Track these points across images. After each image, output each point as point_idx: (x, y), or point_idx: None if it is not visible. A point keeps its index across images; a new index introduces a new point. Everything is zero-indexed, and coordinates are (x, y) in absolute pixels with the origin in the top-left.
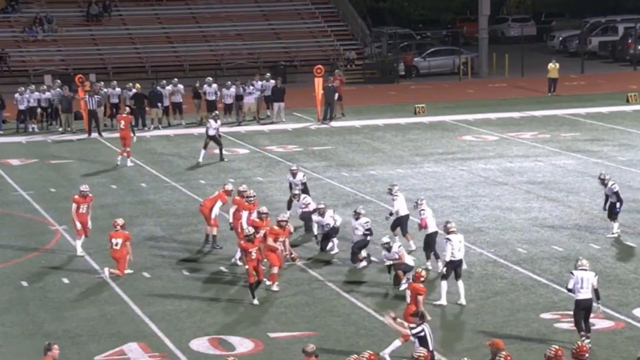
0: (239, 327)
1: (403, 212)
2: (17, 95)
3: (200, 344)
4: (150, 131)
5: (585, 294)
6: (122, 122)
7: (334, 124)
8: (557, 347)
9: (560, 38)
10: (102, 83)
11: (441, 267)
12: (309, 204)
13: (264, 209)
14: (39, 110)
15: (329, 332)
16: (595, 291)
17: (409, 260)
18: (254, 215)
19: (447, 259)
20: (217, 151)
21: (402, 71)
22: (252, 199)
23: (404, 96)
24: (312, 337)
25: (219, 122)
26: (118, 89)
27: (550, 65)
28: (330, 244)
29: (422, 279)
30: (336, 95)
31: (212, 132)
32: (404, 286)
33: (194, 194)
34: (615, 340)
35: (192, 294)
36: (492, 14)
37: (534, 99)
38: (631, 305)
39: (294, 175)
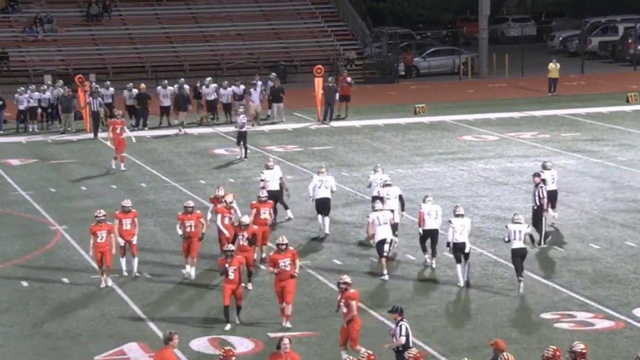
0: (239, 327)
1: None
2: (17, 95)
3: (200, 344)
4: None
5: (519, 243)
6: (118, 128)
7: (334, 124)
8: (554, 347)
9: (560, 38)
10: (95, 84)
11: (434, 265)
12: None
13: (245, 219)
14: (39, 110)
15: (329, 332)
16: (530, 237)
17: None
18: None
19: (449, 239)
20: (218, 150)
21: (402, 71)
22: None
23: (404, 96)
24: (312, 337)
25: (244, 117)
26: (112, 89)
27: (551, 65)
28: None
29: (348, 283)
30: (337, 95)
31: (243, 129)
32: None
33: (194, 194)
34: (615, 340)
35: (192, 294)
36: (492, 14)
37: (534, 99)
38: (631, 305)
39: (268, 168)
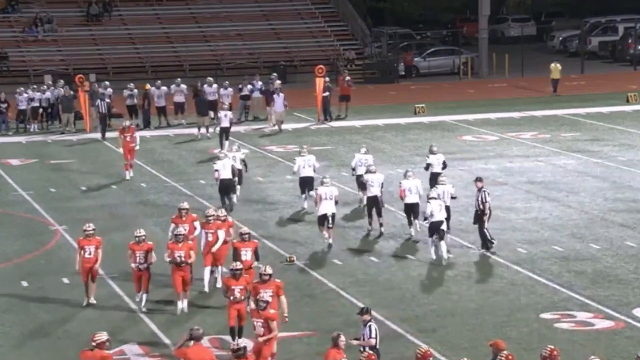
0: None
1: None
2: (17, 95)
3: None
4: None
5: (446, 202)
6: (128, 135)
7: (334, 124)
8: (552, 347)
9: (560, 38)
10: (105, 83)
11: (414, 233)
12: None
13: (244, 229)
14: (40, 110)
15: (329, 332)
16: (452, 198)
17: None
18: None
19: (427, 214)
20: (217, 150)
21: (402, 71)
22: (211, 218)
23: (404, 96)
24: (312, 337)
25: (229, 113)
26: (110, 90)
27: (552, 66)
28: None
29: (268, 302)
30: (328, 93)
31: (226, 124)
32: None
33: (194, 194)
34: (615, 340)
35: (192, 294)
36: (492, 14)
37: (534, 99)
38: (631, 305)
39: (219, 158)
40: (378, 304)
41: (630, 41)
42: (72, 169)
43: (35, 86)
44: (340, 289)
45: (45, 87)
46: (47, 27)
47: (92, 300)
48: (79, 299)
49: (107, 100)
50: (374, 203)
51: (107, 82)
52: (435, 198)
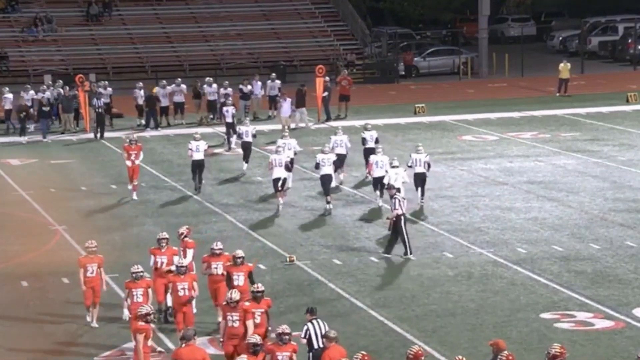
0: None
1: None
2: (22, 93)
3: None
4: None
5: (420, 169)
6: (133, 154)
7: (333, 123)
8: (559, 345)
9: (560, 38)
10: (100, 83)
11: (380, 202)
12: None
13: (239, 252)
14: (31, 110)
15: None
16: (428, 165)
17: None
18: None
19: (385, 182)
20: (218, 150)
21: (402, 71)
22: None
23: (404, 96)
24: None
25: (231, 109)
26: (110, 89)
27: (561, 66)
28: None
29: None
30: (327, 93)
31: (229, 119)
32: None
33: (194, 193)
34: (615, 340)
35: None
36: (492, 14)
37: (534, 99)
38: (631, 305)
39: (195, 139)
40: (378, 304)
41: (630, 41)
42: (72, 169)
43: (28, 86)
44: (340, 289)
45: (45, 86)
46: (47, 27)
47: (95, 324)
48: (79, 299)
49: (107, 100)
50: (326, 181)
51: (106, 82)
52: (395, 166)
